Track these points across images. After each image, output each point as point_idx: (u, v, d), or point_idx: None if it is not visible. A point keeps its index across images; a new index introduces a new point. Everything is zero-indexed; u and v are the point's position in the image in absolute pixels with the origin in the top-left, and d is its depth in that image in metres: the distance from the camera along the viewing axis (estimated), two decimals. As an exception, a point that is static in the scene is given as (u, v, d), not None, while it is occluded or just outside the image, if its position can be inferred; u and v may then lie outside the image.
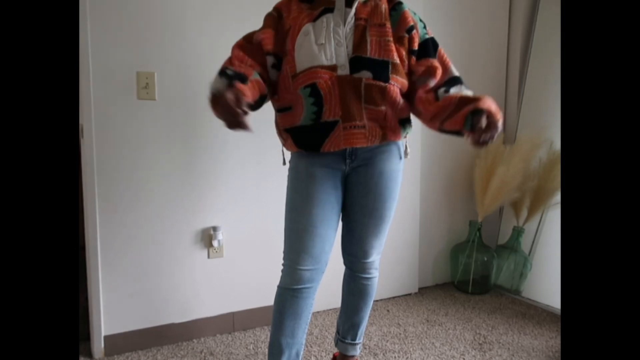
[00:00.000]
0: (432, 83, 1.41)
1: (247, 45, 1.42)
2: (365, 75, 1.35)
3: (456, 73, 1.44)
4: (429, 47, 1.43)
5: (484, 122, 1.20)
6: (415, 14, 1.45)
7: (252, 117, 2.23)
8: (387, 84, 1.36)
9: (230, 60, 1.40)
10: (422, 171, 2.67)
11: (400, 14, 1.41)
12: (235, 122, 1.14)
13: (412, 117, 1.49)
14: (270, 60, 1.41)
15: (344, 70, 1.35)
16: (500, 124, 1.23)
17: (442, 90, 1.40)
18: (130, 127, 1.90)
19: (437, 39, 1.47)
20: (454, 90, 1.39)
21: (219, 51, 2.02)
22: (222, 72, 1.28)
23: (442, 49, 1.46)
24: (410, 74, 1.43)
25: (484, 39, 2.80)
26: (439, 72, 1.42)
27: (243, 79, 1.27)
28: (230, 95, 1.12)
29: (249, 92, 1.25)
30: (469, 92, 1.38)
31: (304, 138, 1.41)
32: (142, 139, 1.92)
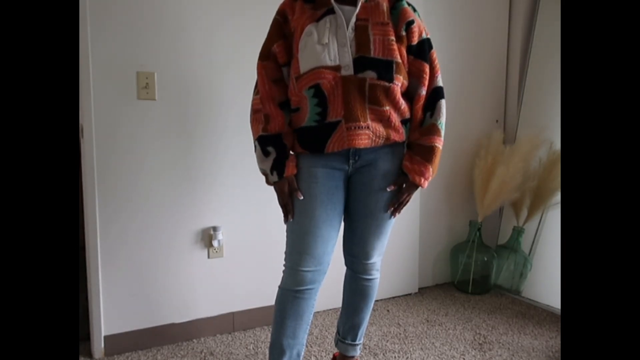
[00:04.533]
0: (422, 91, 1.45)
1: (268, 65, 1.44)
2: (370, 75, 1.35)
3: (440, 83, 1.48)
4: (424, 48, 1.44)
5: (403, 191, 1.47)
6: (415, 10, 1.45)
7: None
8: (391, 84, 1.37)
9: (259, 102, 1.44)
10: (422, 171, 2.66)
11: (399, 11, 1.41)
12: (287, 209, 1.45)
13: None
14: (285, 71, 1.45)
15: (348, 71, 1.35)
16: (406, 200, 1.49)
17: (428, 115, 1.47)
18: (130, 127, 1.90)
19: (436, 39, 1.49)
20: (433, 118, 1.46)
21: (219, 51, 2.02)
22: (264, 149, 1.43)
23: (434, 52, 1.47)
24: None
25: (484, 39, 2.80)
26: (427, 79, 1.45)
27: (283, 152, 1.43)
28: (287, 195, 1.43)
29: (294, 168, 1.44)
30: (443, 119, 1.47)
31: (309, 139, 1.41)
32: (142, 139, 1.92)
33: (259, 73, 1.45)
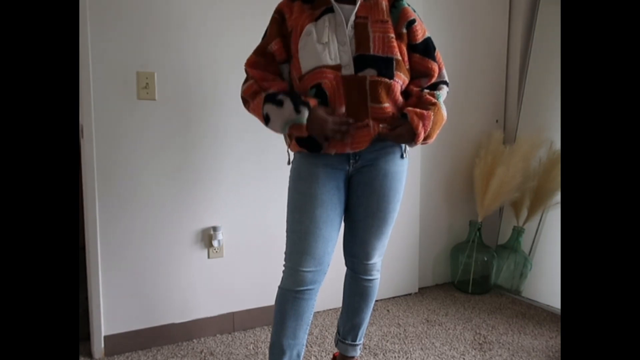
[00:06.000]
0: (425, 83, 1.47)
1: (261, 59, 1.45)
2: (370, 73, 1.35)
3: (446, 77, 1.50)
4: (430, 47, 1.46)
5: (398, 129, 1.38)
6: (414, 10, 1.45)
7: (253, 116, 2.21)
8: (392, 81, 1.37)
9: (255, 83, 1.42)
10: (422, 171, 2.67)
11: (400, 10, 1.42)
12: (346, 130, 1.34)
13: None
14: (285, 68, 1.45)
15: (349, 70, 1.35)
16: (399, 139, 1.39)
17: (425, 91, 1.45)
18: (130, 127, 1.90)
19: (436, 39, 1.51)
20: (436, 92, 1.44)
21: (219, 50, 2.02)
22: (276, 100, 1.35)
23: (438, 51, 1.49)
24: (411, 69, 1.45)
25: (483, 38, 2.80)
26: (435, 77, 1.47)
27: (297, 95, 1.36)
28: (330, 119, 1.31)
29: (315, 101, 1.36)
30: (442, 93, 1.45)
31: (307, 138, 1.40)
32: (142, 139, 1.92)
33: (249, 64, 1.45)
